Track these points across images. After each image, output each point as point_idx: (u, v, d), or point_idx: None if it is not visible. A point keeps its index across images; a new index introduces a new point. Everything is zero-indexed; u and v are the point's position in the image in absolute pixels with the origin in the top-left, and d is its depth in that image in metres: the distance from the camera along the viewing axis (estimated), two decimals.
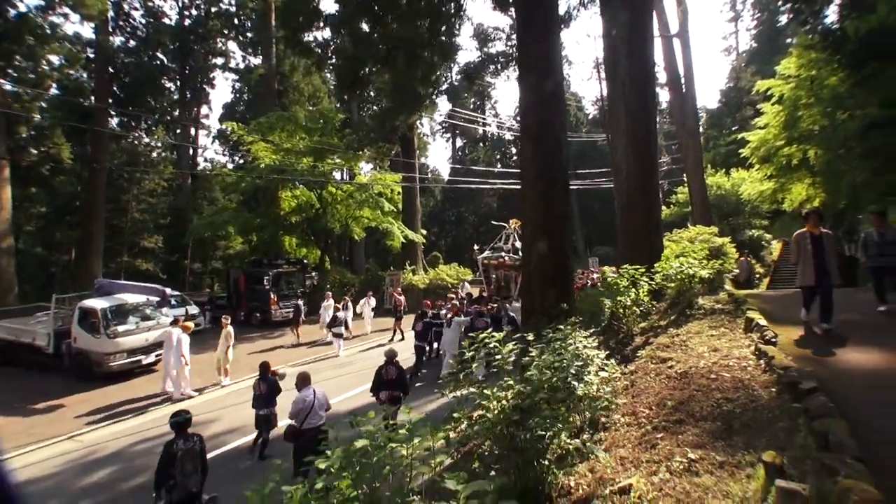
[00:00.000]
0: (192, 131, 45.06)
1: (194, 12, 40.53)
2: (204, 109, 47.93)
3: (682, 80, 22.92)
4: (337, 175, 29.71)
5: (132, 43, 35.47)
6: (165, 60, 38.70)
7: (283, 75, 33.82)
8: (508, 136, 60.65)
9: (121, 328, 12.68)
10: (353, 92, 15.69)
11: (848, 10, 10.90)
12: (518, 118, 56.57)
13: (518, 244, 20.99)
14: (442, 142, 63.50)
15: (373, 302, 19.46)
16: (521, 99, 9.42)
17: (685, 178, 26.56)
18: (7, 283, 19.78)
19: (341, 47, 12.02)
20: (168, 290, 14.26)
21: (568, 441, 4.47)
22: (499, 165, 56.67)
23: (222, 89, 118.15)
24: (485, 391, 4.18)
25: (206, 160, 50.92)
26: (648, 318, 9.77)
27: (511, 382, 4.32)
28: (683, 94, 23.18)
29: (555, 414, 4.43)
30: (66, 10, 21.86)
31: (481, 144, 62.58)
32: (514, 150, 59.75)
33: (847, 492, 2.38)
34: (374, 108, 39.08)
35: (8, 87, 21.00)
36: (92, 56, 28.37)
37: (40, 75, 21.34)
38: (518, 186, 32.35)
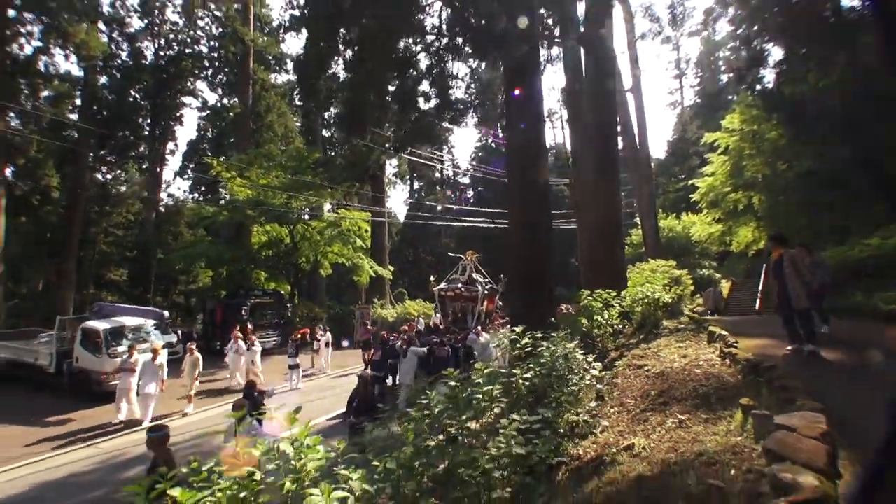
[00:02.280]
0: (157, 167, 45.20)
1: (171, 53, 41.46)
2: (170, 146, 48.22)
3: (636, 130, 25.16)
4: (305, 212, 30.40)
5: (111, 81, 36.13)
6: (139, 98, 39.30)
7: (258, 115, 34.71)
8: (466, 179, 63.26)
9: (120, 349, 12.83)
10: (354, 134, 16.80)
11: (784, 76, 12.66)
12: (474, 162, 58.46)
13: (475, 275, 21.76)
14: (399, 184, 64.32)
15: (328, 337, 19.19)
16: (508, 136, 10.68)
17: (638, 221, 28.62)
18: None
19: (346, 97, 13.09)
20: (165, 314, 14.56)
21: (575, 417, 5.32)
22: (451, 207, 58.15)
23: (187, 127, 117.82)
24: (513, 370, 4.99)
25: (169, 196, 50.60)
26: (619, 337, 10.84)
27: (532, 365, 5.16)
28: (636, 143, 25.42)
29: (560, 395, 5.30)
30: (66, 51, 23.57)
31: (438, 187, 64.44)
32: (470, 194, 62.24)
33: (802, 406, 3.34)
34: (340, 149, 40.46)
35: (14, 122, 22.22)
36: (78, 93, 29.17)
37: (39, 110, 22.31)
38: (476, 225, 33.47)
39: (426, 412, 3.35)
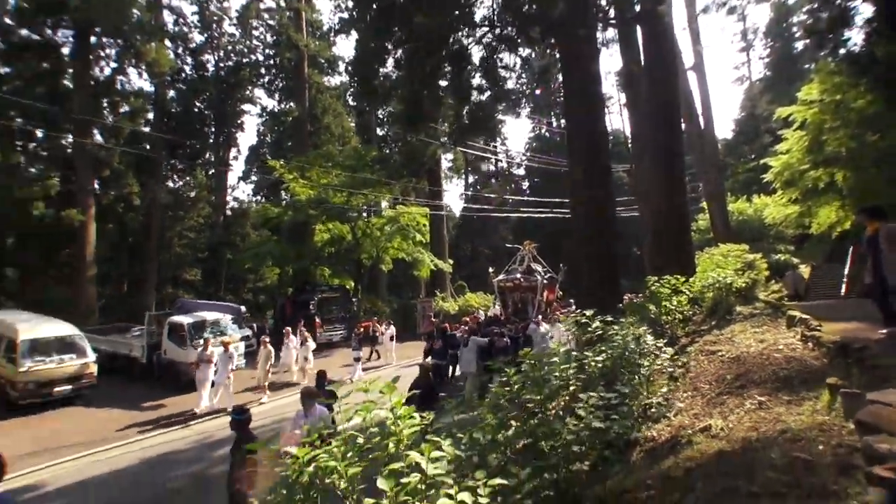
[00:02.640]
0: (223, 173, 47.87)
1: (229, 63, 43.65)
2: (233, 152, 50.90)
3: (700, 111, 24.08)
4: (365, 209, 31.18)
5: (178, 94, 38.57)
6: (203, 108, 41.74)
7: (315, 117, 35.88)
8: (520, 171, 63.36)
9: (202, 340, 13.81)
10: (412, 129, 17.24)
11: (877, 35, 11.34)
12: (528, 153, 57.99)
13: (533, 265, 21.46)
14: (455, 179, 64.60)
15: (392, 331, 19.45)
16: (567, 122, 10.61)
17: (705, 207, 27.41)
18: (90, 308, 21.88)
19: (403, 94, 13.42)
20: (242, 309, 15.62)
21: (648, 400, 5.29)
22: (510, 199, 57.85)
23: (248, 133, 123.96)
24: (585, 353, 5.02)
25: (235, 199, 53.42)
26: (689, 324, 10.50)
27: (603, 348, 5.17)
28: (700, 124, 24.32)
29: (632, 378, 5.28)
30: (138, 69, 25.87)
31: (493, 180, 64.39)
32: (526, 185, 61.97)
33: None
34: (395, 147, 41.24)
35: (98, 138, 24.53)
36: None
37: (119, 125, 24.39)
38: (534, 215, 33.43)
39: (506, 388, 3.49)
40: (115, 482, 8.47)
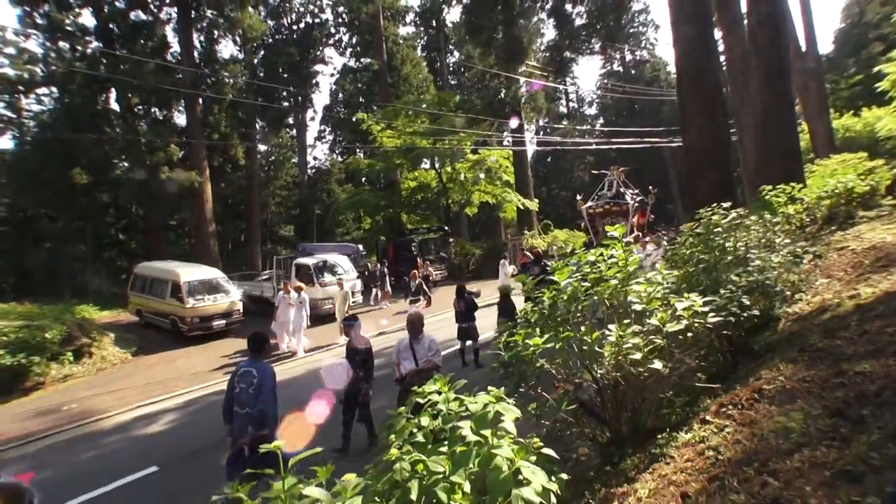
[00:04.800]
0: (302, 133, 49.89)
1: (301, 25, 44.67)
2: (309, 112, 52.70)
3: (801, 19, 22.24)
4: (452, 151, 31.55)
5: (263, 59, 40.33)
6: (282, 71, 43.30)
7: (393, 68, 36.41)
8: (592, 109, 63.16)
9: (326, 279, 15.40)
10: (513, 61, 17.46)
11: None
12: (599, 90, 55.33)
13: (623, 189, 20.73)
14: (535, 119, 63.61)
15: (509, 269, 18.61)
16: (675, 36, 10.59)
17: (803, 125, 25.55)
18: (214, 260, 24.23)
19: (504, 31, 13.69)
20: (360, 248, 17.15)
21: (787, 278, 5.69)
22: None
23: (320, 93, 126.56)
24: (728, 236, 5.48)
25: (314, 158, 55.79)
26: (804, 233, 10.46)
27: (743, 234, 5.60)
28: (799, 35, 22.39)
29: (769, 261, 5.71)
30: (233, 36, 27.52)
31: (565, 121, 62.86)
32: (600, 122, 61.85)
33: None
34: (466, 94, 41.09)
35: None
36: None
37: (222, 92, 26.21)
38: (622, 146, 32.38)
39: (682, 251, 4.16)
40: (290, 388, 9.75)
